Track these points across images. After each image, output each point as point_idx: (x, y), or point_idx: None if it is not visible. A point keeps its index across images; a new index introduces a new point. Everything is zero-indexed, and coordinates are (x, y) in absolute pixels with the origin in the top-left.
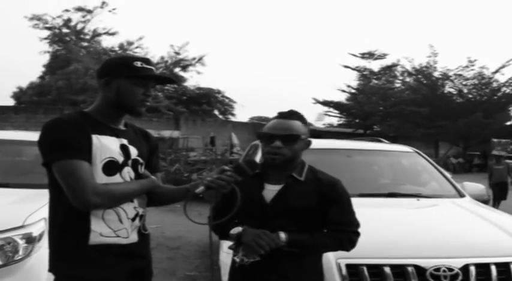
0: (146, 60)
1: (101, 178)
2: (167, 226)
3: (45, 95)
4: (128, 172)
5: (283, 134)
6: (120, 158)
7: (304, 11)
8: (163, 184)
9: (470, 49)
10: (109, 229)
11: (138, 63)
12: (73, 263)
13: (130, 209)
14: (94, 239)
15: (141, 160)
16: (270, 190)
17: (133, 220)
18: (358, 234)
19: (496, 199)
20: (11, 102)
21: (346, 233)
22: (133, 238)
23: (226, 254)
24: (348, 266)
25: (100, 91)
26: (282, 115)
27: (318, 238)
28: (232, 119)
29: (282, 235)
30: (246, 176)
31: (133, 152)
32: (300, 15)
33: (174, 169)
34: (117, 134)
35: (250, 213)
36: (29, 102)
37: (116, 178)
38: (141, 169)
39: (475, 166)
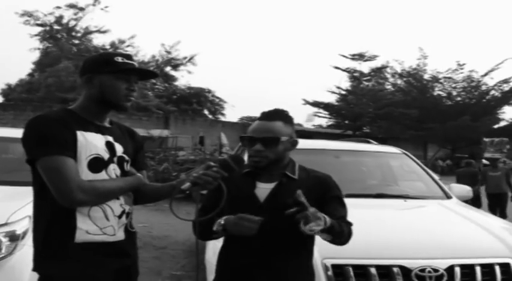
0: (127, 56)
1: (86, 175)
2: (154, 225)
3: (34, 93)
4: (113, 169)
5: (264, 137)
6: (106, 155)
7: (295, 11)
8: (150, 182)
9: (460, 53)
10: (95, 226)
11: (119, 58)
12: (58, 262)
13: (116, 206)
14: (80, 237)
15: (126, 157)
16: (263, 188)
17: (119, 217)
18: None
19: (492, 212)
20: None
21: (348, 225)
22: (120, 235)
23: (212, 254)
24: (334, 266)
25: (83, 89)
26: (264, 116)
27: (345, 227)
28: (222, 119)
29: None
30: (237, 175)
31: (119, 149)
32: (291, 16)
33: (163, 168)
34: (102, 131)
35: (242, 212)
36: (17, 100)
37: (102, 175)
38: (127, 167)
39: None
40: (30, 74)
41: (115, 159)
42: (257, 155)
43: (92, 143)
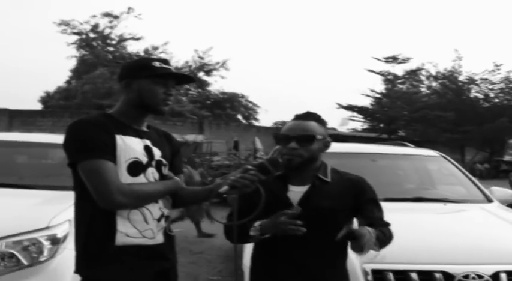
0: (164, 61)
1: (126, 178)
2: (190, 230)
3: (72, 100)
4: (152, 173)
5: (299, 135)
6: (144, 159)
7: (328, 15)
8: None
9: (496, 53)
10: (135, 229)
11: (157, 64)
12: (99, 264)
13: (155, 209)
14: (120, 239)
15: (164, 161)
16: (295, 191)
17: (158, 220)
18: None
19: None
20: (38, 106)
21: (387, 227)
22: (159, 238)
23: (249, 259)
24: (374, 271)
25: (122, 93)
26: (298, 117)
27: (386, 232)
28: (256, 123)
29: (371, 230)
30: (269, 178)
31: (157, 153)
32: (324, 19)
33: (198, 172)
34: (140, 135)
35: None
36: (55, 107)
37: (140, 179)
38: (165, 170)
39: (502, 172)
40: (67, 82)
41: (153, 163)
42: (291, 153)
43: (131, 147)
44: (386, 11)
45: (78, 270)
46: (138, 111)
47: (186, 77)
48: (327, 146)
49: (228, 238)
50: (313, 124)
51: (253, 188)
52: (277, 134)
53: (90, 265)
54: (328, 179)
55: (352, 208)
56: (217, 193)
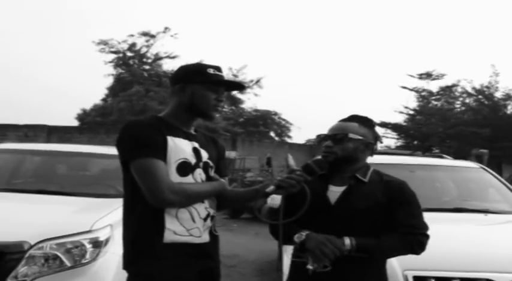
0: (218, 68)
1: (175, 178)
2: (224, 244)
3: (107, 116)
4: (199, 174)
5: (333, 134)
6: (193, 160)
7: (361, 32)
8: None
9: None
10: (182, 227)
11: (211, 70)
12: (148, 260)
13: (202, 209)
14: (168, 237)
15: (211, 163)
16: (334, 191)
17: (205, 220)
18: (428, 237)
19: None
20: (75, 123)
21: (415, 235)
22: (205, 237)
23: (287, 259)
24: (416, 278)
25: (173, 96)
26: (342, 118)
27: (386, 241)
28: (289, 140)
29: (347, 241)
30: (313, 178)
31: (204, 155)
32: (357, 36)
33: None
34: (189, 137)
35: (314, 215)
36: (91, 123)
37: (189, 179)
38: (211, 172)
39: None
40: (103, 99)
41: (201, 164)
42: (326, 151)
43: (181, 148)
44: (420, 27)
45: (126, 266)
46: (188, 114)
47: (237, 85)
48: (368, 147)
49: (272, 233)
50: (352, 124)
51: (299, 188)
52: (320, 134)
53: (138, 260)
54: (365, 180)
55: (386, 209)
56: (264, 193)
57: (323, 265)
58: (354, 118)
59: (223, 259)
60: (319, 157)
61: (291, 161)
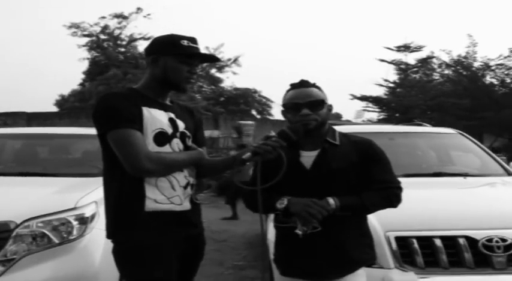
0: (192, 39)
1: (152, 148)
2: (212, 221)
3: (87, 101)
4: (176, 143)
5: (308, 101)
6: (169, 130)
7: (338, 6)
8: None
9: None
10: (163, 196)
11: (185, 42)
12: (130, 229)
13: (181, 177)
14: (149, 205)
15: (188, 133)
16: (307, 156)
17: (185, 188)
18: (401, 189)
19: None
20: (54, 109)
21: (392, 189)
22: (186, 205)
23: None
24: (398, 238)
25: (147, 68)
26: (298, 85)
27: (366, 198)
28: (271, 118)
29: (331, 201)
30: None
31: (181, 125)
32: (334, 10)
33: None
34: (165, 108)
35: (290, 181)
36: (71, 109)
37: (166, 148)
38: (189, 142)
39: None
40: (81, 84)
41: (177, 134)
42: (306, 119)
43: (157, 118)
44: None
45: (109, 235)
46: (162, 86)
47: (212, 57)
48: (330, 110)
49: (248, 207)
50: (315, 90)
51: (276, 154)
52: (286, 103)
53: (122, 230)
54: (337, 142)
55: (360, 168)
56: (240, 160)
57: (312, 227)
58: (309, 83)
59: (212, 234)
60: (295, 125)
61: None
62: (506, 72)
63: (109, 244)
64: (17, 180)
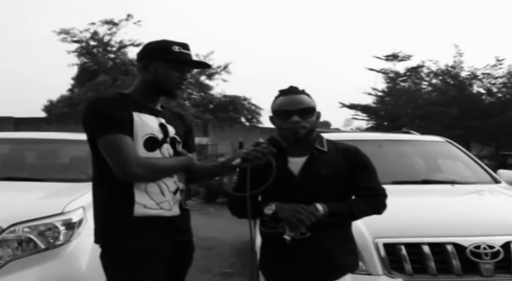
0: (184, 45)
1: (142, 153)
2: (200, 227)
3: (75, 107)
4: (167, 149)
5: (299, 108)
6: (160, 135)
7: (327, 15)
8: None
9: (498, 48)
10: (152, 201)
11: (176, 48)
12: (119, 234)
13: (170, 183)
14: (138, 210)
15: (178, 139)
16: (295, 163)
17: (174, 193)
18: (386, 196)
19: None
20: (42, 115)
21: (378, 196)
22: (176, 211)
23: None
24: (386, 245)
25: (138, 73)
26: (287, 91)
27: (354, 205)
28: (260, 125)
29: (320, 207)
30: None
31: (171, 130)
32: (323, 19)
33: None
34: (155, 113)
35: (277, 187)
36: (59, 115)
37: (156, 154)
38: (179, 147)
39: (509, 166)
40: (70, 90)
41: (168, 139)
42: (295, 126)
43: (147, 123)
44: (384, 9)
45: (97, 240)
46: (152, 92)
47: (203, 64)
48: (318, 117)
49: (234, 213)
50: (305, 97)
51: (265, 160)
52: (276, 110)
53: (110, 234)
54: (325, 149)
55: (347, 175)
56: (230, 166)
57: (300, 232)
58: (299, 90)
59: (200, 241)
60: (285, 131)
61: None
62: (493, 81)
63: (96, 250)
64: (3, 185)
